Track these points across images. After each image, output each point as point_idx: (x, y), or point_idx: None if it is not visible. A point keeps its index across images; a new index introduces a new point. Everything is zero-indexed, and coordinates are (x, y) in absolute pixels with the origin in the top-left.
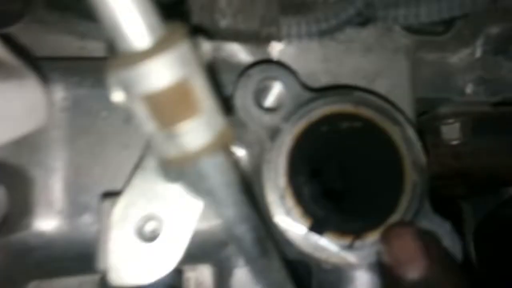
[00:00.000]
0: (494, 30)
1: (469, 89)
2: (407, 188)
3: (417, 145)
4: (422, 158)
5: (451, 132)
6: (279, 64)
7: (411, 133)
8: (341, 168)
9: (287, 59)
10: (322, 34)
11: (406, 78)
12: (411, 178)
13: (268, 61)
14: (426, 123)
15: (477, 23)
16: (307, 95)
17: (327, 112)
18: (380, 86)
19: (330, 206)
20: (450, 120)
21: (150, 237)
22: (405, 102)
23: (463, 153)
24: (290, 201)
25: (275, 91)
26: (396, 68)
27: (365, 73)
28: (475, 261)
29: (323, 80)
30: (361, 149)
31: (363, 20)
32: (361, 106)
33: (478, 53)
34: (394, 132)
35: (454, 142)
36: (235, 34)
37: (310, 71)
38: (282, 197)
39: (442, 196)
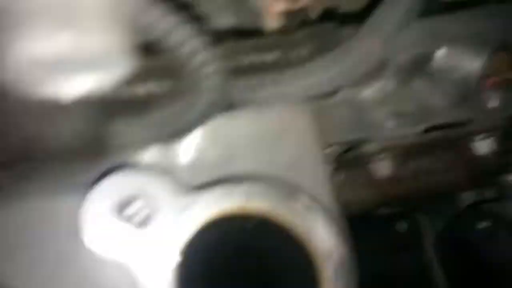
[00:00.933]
0: (402, 57)
1: (389, 123)
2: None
3: (338, 239)
4: (341, 246)
5: (382, 168)
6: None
7: (327, 227)
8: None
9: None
10: (166, 138)
11: (313, 138)
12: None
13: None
14: (352, 160)
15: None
16: (186, 198)
17: (211, 216)
18: (280, 155)
19: None
20: (380, 156)
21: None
22: (317, 174)
23: (402, 178)
24: None
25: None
26: (298, 127)
27: (262, 139)
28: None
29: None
30: (260, 258)
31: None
32: (253, 199)
33: (390, 85)
34: (300, 228)
35: (389, 175)
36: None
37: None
38: None
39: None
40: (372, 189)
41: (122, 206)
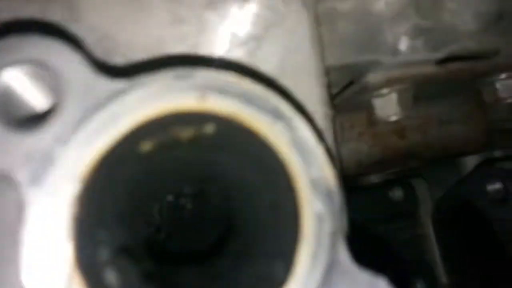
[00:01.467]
0: None
1: (403, 44)
2: (305, 230)
3: (317, 151)
4: (328, 170)
5: (387, 106)
6: (44, 26)
7: (306, 131)
8: (182, 221)
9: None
10: None
11: (307, 37)
12: (311, 210)
13: (23, 23)
14: (354, 97)
15: None
16: (106, 85)
17: (147, 115)
18: (268, 56)
19: None
20: (384, 91)
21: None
22: (309, 77)
23: (408, 128)
24: None
25: (40, 87)
26: (289, 24)
27: (242, 37)
28: (436, 245)
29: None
30: (221, 176)
31: None
32: (212, 95)
33: None
34: (274, 134)
35: (393, 118)
36: None
37: (132, 39)
38: None
39: (387, 181)
40: (371, 139)
41: (4, 94)
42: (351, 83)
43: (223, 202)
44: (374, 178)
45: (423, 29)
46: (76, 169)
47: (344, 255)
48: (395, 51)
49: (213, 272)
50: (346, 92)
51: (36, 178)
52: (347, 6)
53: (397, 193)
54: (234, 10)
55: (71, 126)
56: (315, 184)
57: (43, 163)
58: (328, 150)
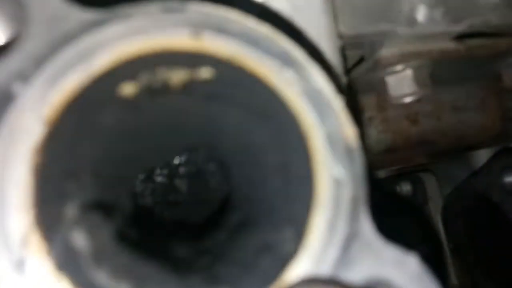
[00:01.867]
0: None
1: (420, 14)
2: (320, 195)
3: (335, 104)
4: (348, 127)
5: (402, 84)
6: None
7: (321, 81)
8: (175, 184)
9: None
10: None
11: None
12: (328, 172)
13: None
14: (365, 76)
15: None
16: (78, 15)
17: (128, 53)
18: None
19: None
20: (399, 67)
21: None
22: (320, 23)
23: (421, 114)
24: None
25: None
26: None
27: None
28: (445, 240)
29: None
30: (218, 132)
31: None
32: (209, 33)
33: None
34: (283, 83)
35: (408, 99)
36: None
37: None
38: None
39: (397, 171)
40: (382, 124)
41: None
42: (361, 59)
43: (222, 165)
44: (382, 173)
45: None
46: (40, 110)
47: (367, 225)
48: (411, 21)
49: (205, 245)
50: (357, 69)
51: None
52: None
53: (405, 188)
54: None
55: (35, 61)
56: (332, 142)
57: (2, 102)
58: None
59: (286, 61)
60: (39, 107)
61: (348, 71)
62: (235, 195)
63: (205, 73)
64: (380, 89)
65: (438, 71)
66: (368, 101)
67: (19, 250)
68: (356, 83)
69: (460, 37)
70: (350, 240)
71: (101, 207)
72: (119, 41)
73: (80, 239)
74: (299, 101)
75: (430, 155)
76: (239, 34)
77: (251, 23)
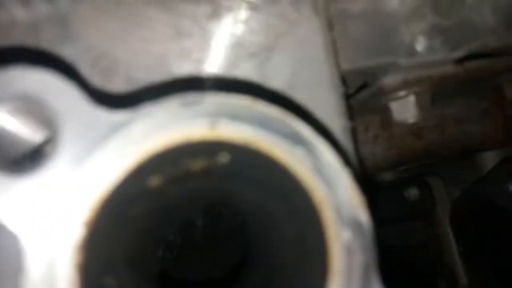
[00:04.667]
0: None
1: (420, 45)
2: (334, 264)
3: (343, 177)
4: (356, 199)
5: (405, 109)
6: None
7: (329, 157)
8: (202, 260)
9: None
10: None
11: (320, 46)
12: (340, 242)
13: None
14: (369, 100)
15: None
16: (106, 118)
17: (153, 148)
18: (279, 68)
19: None
20: (402, 93)
21: None
22: (324, 88)
23: (424, 129)
24: None
25: (32, 126)
26: (301, 32)
27: (251, 49)
28: (454, 245)
29: (167, 71)
30: (237, 208)
31: None
32: (224, 122)
33: None
34: (295, 161)
35: (411, 120)
36: None
37: (133, 57)
38: None
39: (402, 180)
40: (387, 142)
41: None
42: (364, 85)
43: (240, 234)
44: (388, 176)
45: (441, 28)
46: (79, 213)
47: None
48: (412, 52)
49: None
50: (360, 94)
51: (36, 225)
52: (359, 6)
53: (412, 192)
54: (240, 20)
55: (71, 166)
56: (342, 213)
57: (43, 209)
58: (351, 168)
59: (296, 140)
60: (78, 210)
61: (351, 95)
62: (253, 260)
63: (223, 158)
64: (384, 111)
65: (439, 91)
66: (372, 121)
67: None
68: (360, 105)
69: (460, 60)
70: None
71: None
72: (145, 139)
73: None
74: (311, 177)
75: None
76: (251, 119)
77: (261, 107)
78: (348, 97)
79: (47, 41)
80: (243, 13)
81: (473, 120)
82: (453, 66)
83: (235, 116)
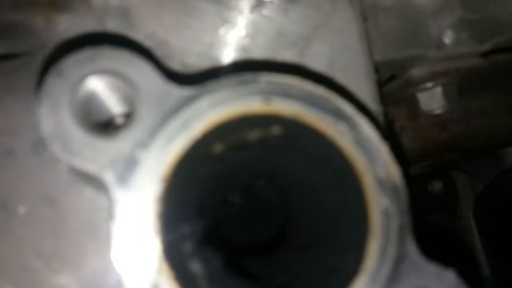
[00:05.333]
0: None
1: (448, 38)
2: (373, 225)
3: (382, 149)
4: (393, 168)
5: (432, 99)
6: (118, 39)
7: (369, 130)
8: (255, 216)
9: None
10: None
11: (355, 36)
12: (379, 206)
13: (96, 36)
14: (397, 91)
15: None
16: (177, 93)
17: (217, 119)
18: (317, 56)
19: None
20: (429, 84)
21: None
22: (359, 75)
23: (450, 121)
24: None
25: (116, 96)
26: (337, 23)
27: (290, 38)
28: (478, 237)
29: (216, 58)
30: (286, 174)
31: None
32: (276, 98)
33: None
34: (338, 134)
35: (438, 111)
36: None
37: (186, 45)
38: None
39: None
40: (413, 133)
41: (86, 102)
42: (392, 77)
43: (284, 195)
44: (412, 170)
45: (469, 22)
46: (158, 170)
47: (412, 248)
48: (439, 45)
49: (278, 265)
50: (389, 86)
51: (123, 179)
52: (390, 0)
53: (436, 186)
54: (281, 11)
55: (149, 132)
56: (381, 181)
57: (128, 165)
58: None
59: (339, 116)
60: (157, 168)
61: (380, 86)
62: (296, 221)
63: (275, 130)
64: (411, 102)
65: (465, 83)
66: (399, 112)
67: (155, 276)
68: (388, 96)
69: (486, 53)
70: (399, 261)
71: (209, 242)
72: (209, 111)
73: (198, 268)
74: (352, 149)
75: (459, 155)
76: (300, 97)
77: (309, 86)
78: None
79: (114, 30)
80: (283, 5)
81: (499, 113)
82: (480, 59)
83: (286, 94)
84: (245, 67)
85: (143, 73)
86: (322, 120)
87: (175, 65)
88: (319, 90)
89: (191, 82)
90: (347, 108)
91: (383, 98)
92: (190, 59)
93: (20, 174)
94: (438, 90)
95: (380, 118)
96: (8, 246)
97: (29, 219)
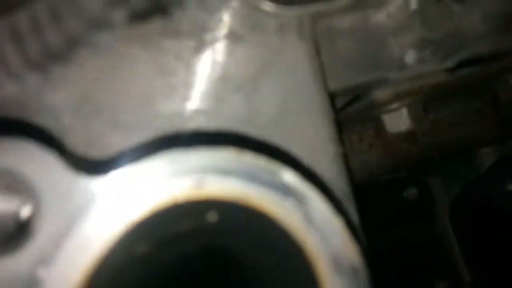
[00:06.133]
0: None
1: (410, 58)
2: None
3: (336, 225)
4: (350, 246)
5: (397, 121)
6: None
7: (320, 205)
8: None
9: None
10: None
11: (307, 72)
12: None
13: None
14: (362, 111)
15: None
16: (87, 185)
17: (140, 215)
18: (267, 98)
19: None
20: (394, 106)
21: None
22: (315, 114)
23: (418, 134)
24: None
25: (9, 200)
26: (287, 60)
27: (237, 81)
28: (456, 243)
29: (153, 118)
30: (229, 268)
31: None
32: (211, 179)
33: (414, 1)
34: (286, 213)
35: (404, 129)
36: None
37: (119, 106)
38: None
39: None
40: (382, 150)
41: None
42: (355, 98)
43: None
44: (386, 176)
45: (431, 39)
46: None
47: None
48: (402, 66)
49: None
50: (352, 107)
51: None
52: (346, 22)
53: (411, 192)
54: (224, 53)
55: (53, 241)
56: (337, 263)
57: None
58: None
59: (285, 191)
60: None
61: (342, 108)
62: None
63: (211, 217)
64: (377, 123)
65: (431, 99)
66: (366, 130)
67: None
68: (352, 116)
69: (451, 69)
70: None
71: None
72: (128, 205)
73: None
74: (303, 229)
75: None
76: (239, 171)
77: (248, 158)
78: (340, 110)
79: (28, 93)
80: (227, 46)
81: (468, 120)
82: (445, 75)
83: (222, 170)
84: (170, 142)
85: (42, 166)
86: (266, 199)
87: (104, 124)
88: (261, 162)
89: (104, 168)
90: (294, 180)
91: (348, 118)
92: (123, 115)
93: None
94: (403, 111)
95: (338, 160)
96: None
97: None
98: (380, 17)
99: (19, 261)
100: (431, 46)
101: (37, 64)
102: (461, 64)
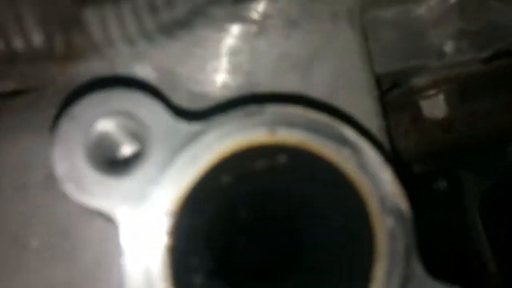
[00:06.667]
0: None
1: (448, 47)
2: (379, 248)
3: (385, 172)
4: (397, 190)
5: (434, 107)
6: (126, 81)
7: (372, 154)
8: (264, 246)
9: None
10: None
11: (356, 55)
12: (384, 229)
13: (105, 80)
14: (399, 98)
15: None
16: (185, 129)
17: (224, 152)
18: (319, 76)
19: None
20: (431, 92)
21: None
22: (361, 92)
23: (454, 123)
24: None
25: (126, 135)
26: (339, 44)
27: (293, 61)
28: (485, 239)
29: (223, 89)
30: (293, 201)
31: None
32: (281, 128)
33: None
34: (342, 160)
35: (441, 116)
36: None
37: (195, 78)
38: None
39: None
40: (417, 137)
41: (98, 143)
42: (394, 85)
43: (295, 223)
44: (417, 169)
45: (468, 31)
46: (167, 205)
47: (418, 269)
48: (440, 55)
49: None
50: (391, 94)
51: (133, 215)
52: (389, 13)
53: (441, 184)
54: (283, 36)
55: (159, 168)
56: (385, 203)
57: (139, 202)
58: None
59: (342, 142)
60: (166, 203)
61: (382, 94)
62: (302, 246)
63: (281, 159)
64: (414, 109)
65: (467, 88)
66: (403, 117)
67: None
68: (390, 103)
69: (486, 59)
70: (406, 281)
71: (218, 274)
72: (216, 145)
73: None
74: (356, 173)
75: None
76: (304, 125)
77: (312, 114)
78: (381, 97)
79: (122, 63)
80: (286, 30)
81: (503, 112)
82: (481, 64)
83: (290, 123)
84: (250, 100)
85: (152, 112)
86: (326, 147)
87: (182, 94)
88: (322, 118)
89: (198, 117)
90: (350, 133)
91: (386, 106)
92: (196, 87)
93: (32, 207)
94: (441, 97)
95: (383, 132)
96: (21, 280)
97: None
98: (420, 10)
99: (133, 180)
100: (468, 37)
101: (169, 30)
102: (497, 55)
